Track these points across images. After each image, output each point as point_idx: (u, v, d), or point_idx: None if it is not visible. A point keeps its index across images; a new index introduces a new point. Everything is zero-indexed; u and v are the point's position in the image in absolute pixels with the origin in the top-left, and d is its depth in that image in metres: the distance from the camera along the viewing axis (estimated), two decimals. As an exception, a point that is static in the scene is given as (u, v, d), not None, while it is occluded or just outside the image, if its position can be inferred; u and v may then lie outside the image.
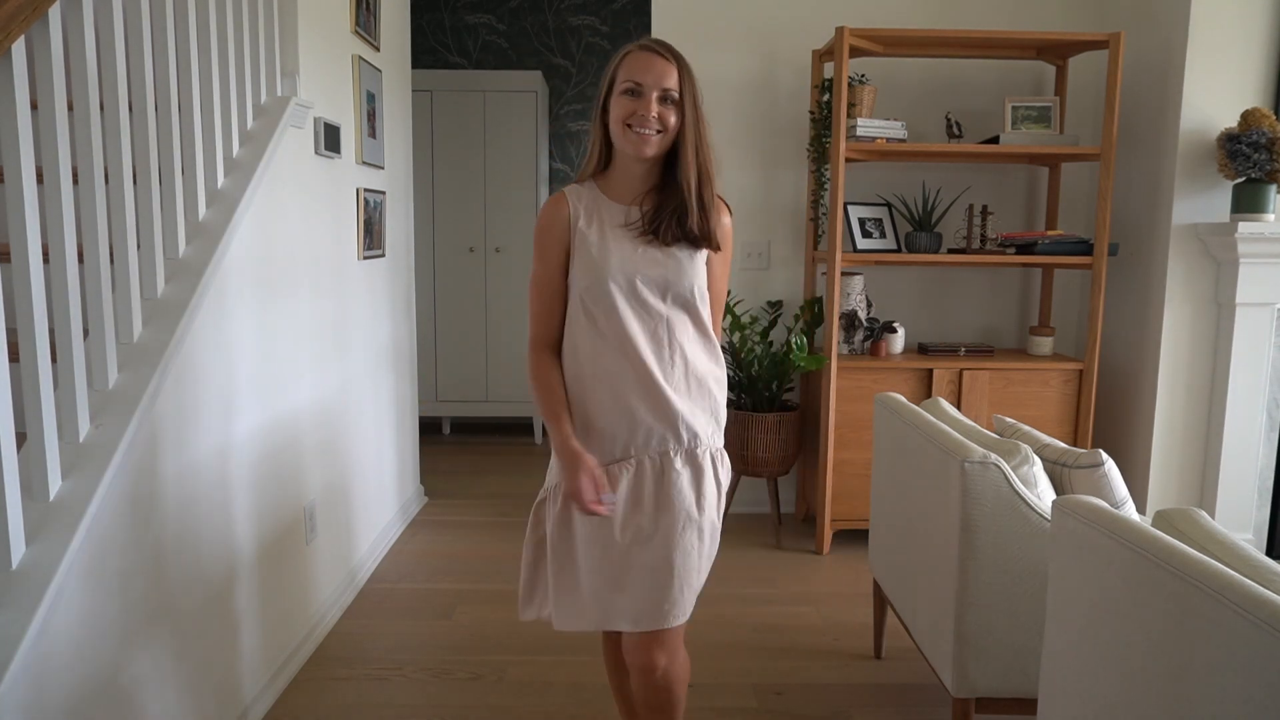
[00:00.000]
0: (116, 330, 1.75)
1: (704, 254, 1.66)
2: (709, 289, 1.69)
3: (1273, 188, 3.02)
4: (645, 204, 1.64)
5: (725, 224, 1.69)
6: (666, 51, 1.58)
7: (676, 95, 1.56)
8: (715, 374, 1.71)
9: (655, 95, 1.54)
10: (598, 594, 1.64)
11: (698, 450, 1.64)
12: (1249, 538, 3.25)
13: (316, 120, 2.62)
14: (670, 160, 1.62)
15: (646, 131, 1.55)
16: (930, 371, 3.35)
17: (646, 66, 1.55)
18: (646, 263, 1.60)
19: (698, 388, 1.65)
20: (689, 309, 1.64)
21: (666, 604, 1.61)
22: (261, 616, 2.26)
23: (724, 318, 3.43)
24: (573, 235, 1.62)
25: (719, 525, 1.69)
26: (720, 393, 1.72)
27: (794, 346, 3.38)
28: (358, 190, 3.02)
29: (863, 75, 3.53)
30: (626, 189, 1.65)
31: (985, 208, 3.49)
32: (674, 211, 1.60)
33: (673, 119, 1.56)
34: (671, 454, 1.63)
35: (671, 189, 1.61)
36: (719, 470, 1.68)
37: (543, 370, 1.68)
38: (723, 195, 1.70)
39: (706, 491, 1.65)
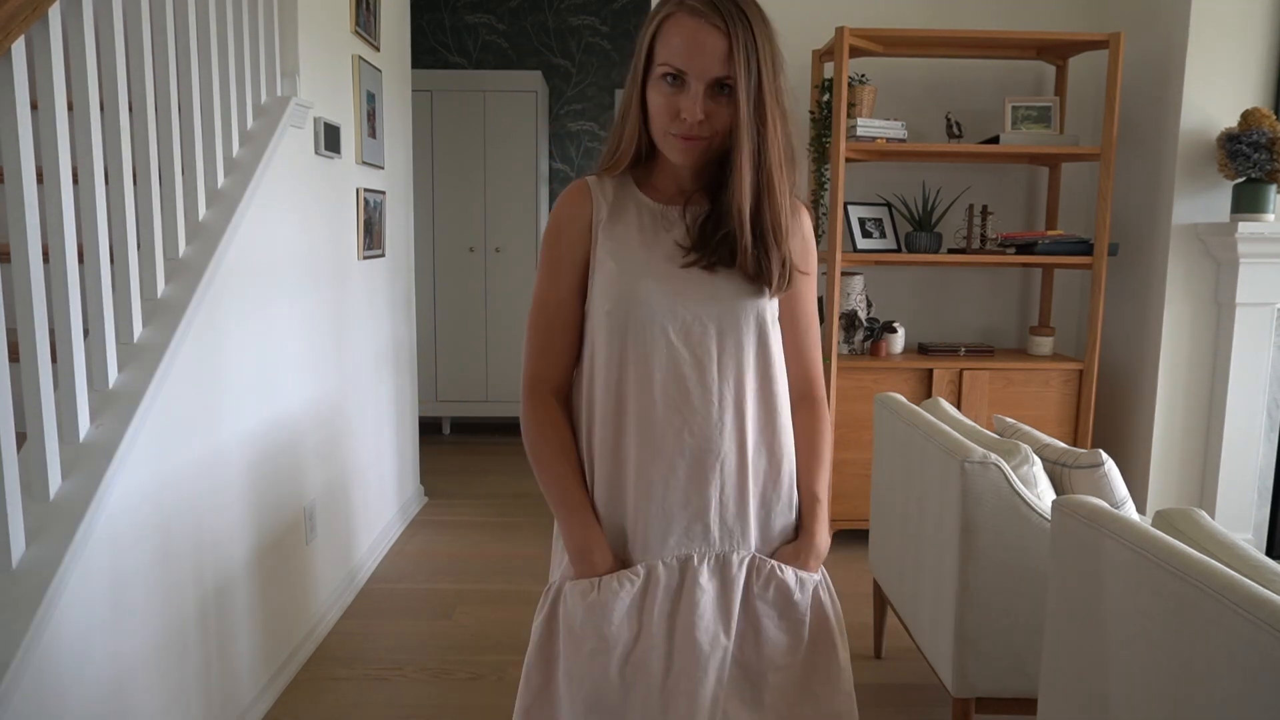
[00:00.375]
0: (116, 330, 1.75)
1: None
2: (795, 316, 1.28)
3: (1273, 188, 3.02)
4: (694, 206, 1.22)
5: (804, 232, 1.26)
6: (721, 16, 1.09)
7: (736, 81, 1.10)
8: (783, 444, 1.26)
9: (703, 87, 1.11)
10: None
11: (733, 557, 1.22)
12: (1249, 538, 3.25)
13: (316, 120, 2.62)
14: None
15: (687, 139, 1.13)
16: (930, 371, 3.35)
17: (693, 45, 1.09)
18: (692, 284, 1.19)
19: (755, 463, 1.23)
20: (748, 349, 1.21)
21: None
22: (261, 616, 2.26)
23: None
24: (595, 240, 1.21)
25: (803, 687, 1.22)
26: (792, 467, 1.27)
27: (794, 346, 3.37)
28: (358, 190, 3.02)
29: (863, 75, 3.53)
30: (670, 184, 1.24)
31: (985, 208, 3.49)
32: (728, 232, 1.17)
33: (728, 113, 1.13)
34: (696, 560, 1.21)
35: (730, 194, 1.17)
36: (780, 594, 1.22)
37: (547, 428, 1.23)
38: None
39: (742, 620, 1.21)
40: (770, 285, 1.19)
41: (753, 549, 1.24)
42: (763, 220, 1.17)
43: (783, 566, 1.24)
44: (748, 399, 1.21)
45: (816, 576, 1.26)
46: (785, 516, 1.27)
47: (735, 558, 1.22)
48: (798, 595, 1.23)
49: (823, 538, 1.27)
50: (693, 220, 1.21)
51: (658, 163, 1.24)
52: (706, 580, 1.20)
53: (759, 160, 1.15)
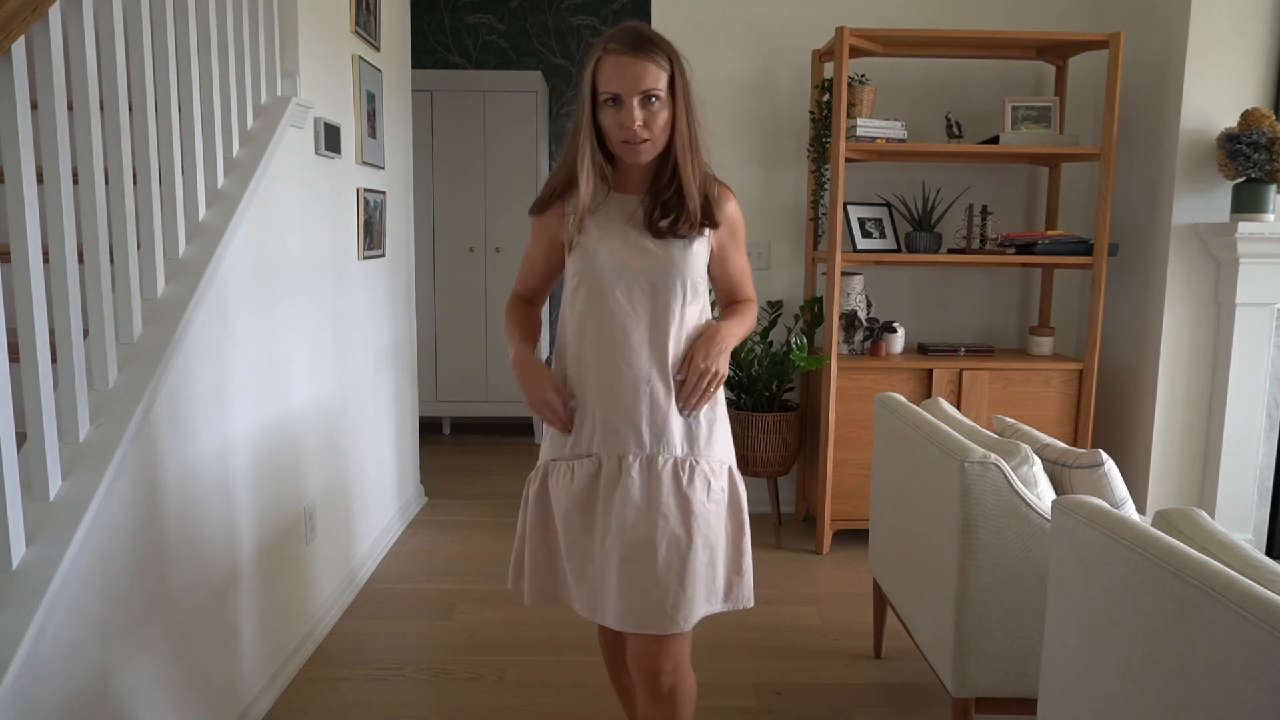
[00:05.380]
0: (116, 330, 1.75)
1: (701, 244, 1.62)
2: (727, 272, 1.71)
3: (1273, 188, 3.02)
4: (646, 198, 1.61)
5: (729, 210, 1.65)
6: (636, 49, 1.49)
7: (660, 91, 1.50)
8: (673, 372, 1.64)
9: (636, 101, 1.49)
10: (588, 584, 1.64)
11: (659, 458, 1.59)
12: (1249, 538, 3.25)
13: (316, 120, 2.62)
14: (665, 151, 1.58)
15: (636, 144, 1.52)
16: (930, 371, 3.35)
17: (620, 73, 1.48)
18: (638, 255, 1.58)
19: (665, 388, 1.60)
20: (676, 304, 1.60)
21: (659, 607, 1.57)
22: (261, 616, 2.26)
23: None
24: (567, 225, 1.62)
25: (700, 541, 1.57)
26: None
27: (794, 346, 3.38)
28: (358, 190, 3.02)
29: (863, 75, 3.53)
30: (631, 181, 1.63)
31: (985, 208, 3.49)
32: (667, 207, 1.58)
33: (661, 117, 1.51)
34: (631, 459, 1.60)
35: (663, 183, 1.59)
36: (686, 482, 1.59)
37: (514, 308, 1.75)
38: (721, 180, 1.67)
39: (671, 505, 1.58)
40: (711, 221, 1.60)
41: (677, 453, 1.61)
42: (679, 178, 1.57)
43: (699, 460, 1.61)
44: (671, 339, 1.59)
45: (720, 465, 1.64)
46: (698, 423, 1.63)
47: (660, 459, 1.60)
48: (714, 482, 1.62)
49: (726, 331, 1.65)
50: (645, 206, 1.60)
51: (620, 166, 1.62)
52: (636, 474, 1.59)
53: (691, 144, 1.56)
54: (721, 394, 1.69)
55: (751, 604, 1.68)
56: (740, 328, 1.70)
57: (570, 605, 1.68)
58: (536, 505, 1.69)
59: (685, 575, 1.56)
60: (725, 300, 1.78)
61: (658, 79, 1.49)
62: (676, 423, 1.61)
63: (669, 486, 1.58)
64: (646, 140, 1.52)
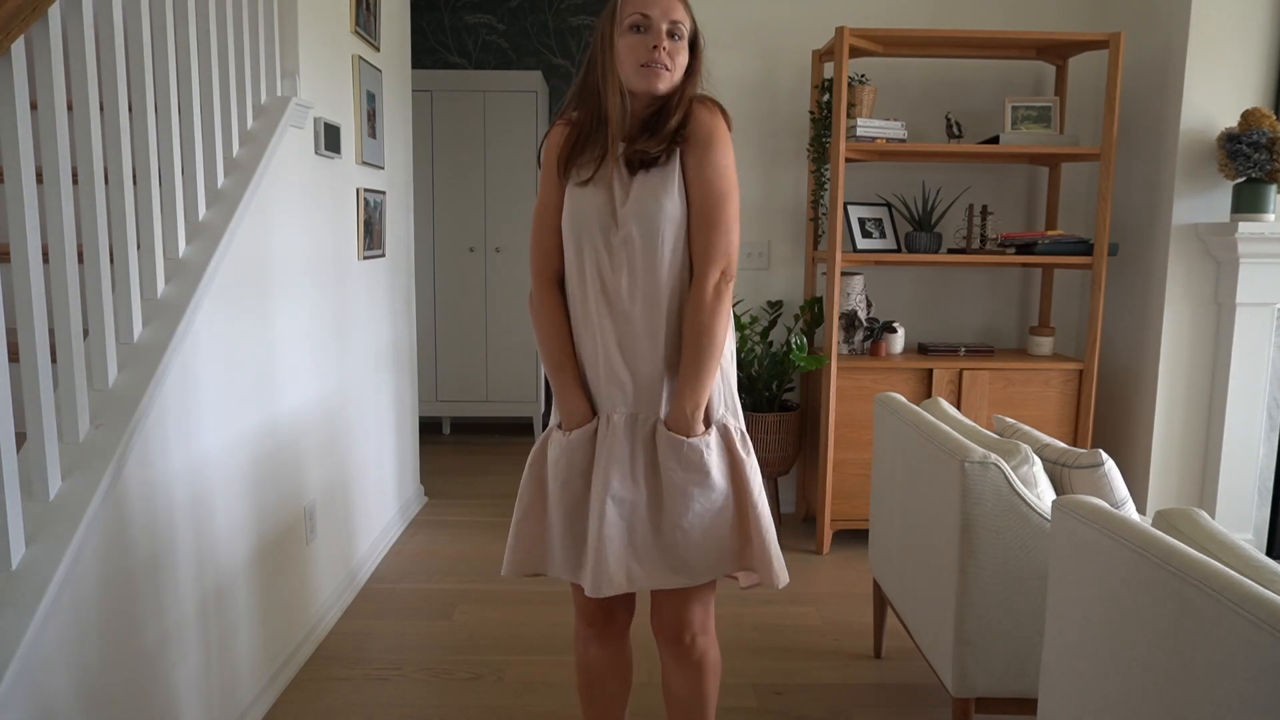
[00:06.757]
0: (116, 330, 1.75)
1: (674, 177, 1.54)
2: (701, 190, 1.55)
3: (1273, 188, 3.02)
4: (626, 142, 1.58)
5: (700, 118, 1.55)
6: None
7: (685, 30, 1.52)
8: (672, 327, 1.59)
9: (664, 28, 1.49)
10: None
11: (640, 416, 1.59)
12: (1249, 538, 3.25)
13: (316, 120, 2.62)
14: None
15: (657, 67, 1.49)
16: (930, 371, 3.35)
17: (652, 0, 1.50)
18: (618, 201, 1.55)
19: (650, 343, 1.57)
20: (663, 250, 1.54)
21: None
22: (261, 616, 2.26)
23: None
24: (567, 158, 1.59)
25: (700, 516, 1.56)
26: (678, 349, 1.58)
27: (794, 346, 3.38)
28: (358, 190, 3.02)
29: (863, 75, 3.53)
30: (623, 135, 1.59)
31: (985, 208, 3.49)
32: (643, 128, 1.54)
33: (681, 56, 1.52)
34: (616, 416, 1.60)
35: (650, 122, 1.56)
36: (672, 446, 1.55)
37: (545, 309, 1.63)
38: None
39: (648, 468, 1.58)
40: (653, 140, 1.53)
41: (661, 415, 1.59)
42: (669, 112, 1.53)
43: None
44: (651, 288, 1.55)
45: (706, 431, 1.57)
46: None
47: (642, 417, 1.59)
48: (685, 447, 1.55)
49: (681, 414, 1.55)
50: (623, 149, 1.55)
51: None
52: (622, 433, 1.58)
53: (686, 90, 1.55)
54: (731, 346, 1.66)
55: (781, 583, 1.60)
56: (696, 374, 1.54)
57: (557, 575, 1.66)
58: (531, 471, 1.68)
59: (688, 530, 1.57)
60: (695, 261, 1.56)
61: (685, 18, 1.52)
62: (662, 382, 1.58)
63: (650, 445, 1.58)
64: (667, 69, 1.50)
